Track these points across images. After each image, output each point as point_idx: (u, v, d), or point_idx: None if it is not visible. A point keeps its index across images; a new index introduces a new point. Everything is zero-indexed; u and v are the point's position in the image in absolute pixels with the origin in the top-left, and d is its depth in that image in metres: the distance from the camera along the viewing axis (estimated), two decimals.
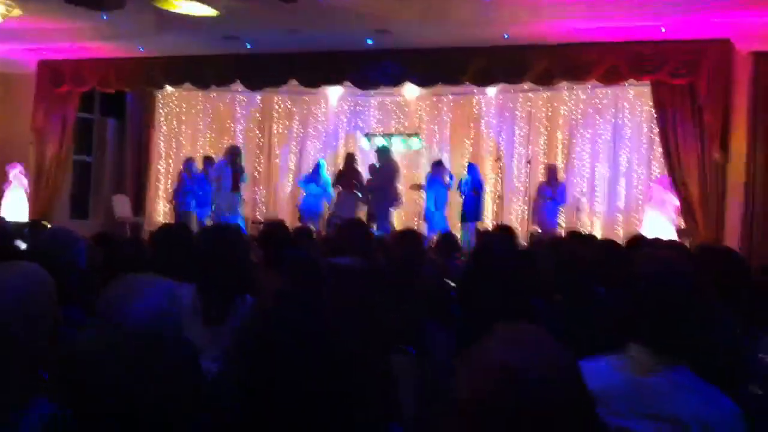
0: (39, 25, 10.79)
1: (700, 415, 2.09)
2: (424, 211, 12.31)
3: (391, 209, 12.12)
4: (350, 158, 12.74)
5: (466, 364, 1.33)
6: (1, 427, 1.90)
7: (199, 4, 8.94)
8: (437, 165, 12.29)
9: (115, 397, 1.73)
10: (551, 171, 11.86)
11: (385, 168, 12.14)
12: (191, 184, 12.96)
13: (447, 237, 7.46)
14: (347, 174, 12.46)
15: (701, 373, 2.24)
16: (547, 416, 1.27)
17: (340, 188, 12.34)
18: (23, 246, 4.42)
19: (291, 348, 1.59)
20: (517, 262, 3.75)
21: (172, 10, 8.95)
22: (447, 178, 12.17)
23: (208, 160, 13.36)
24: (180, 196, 12.99)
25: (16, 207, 13.12)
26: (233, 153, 12.52)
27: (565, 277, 4.14)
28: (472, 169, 12.39)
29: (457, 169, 12.82)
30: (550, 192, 11.57)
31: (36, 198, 13.44)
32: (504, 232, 5.75)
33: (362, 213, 11.82)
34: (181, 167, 13.40)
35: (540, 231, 11.28)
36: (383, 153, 12.40)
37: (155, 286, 1.72)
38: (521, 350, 1.31)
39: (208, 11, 9.07)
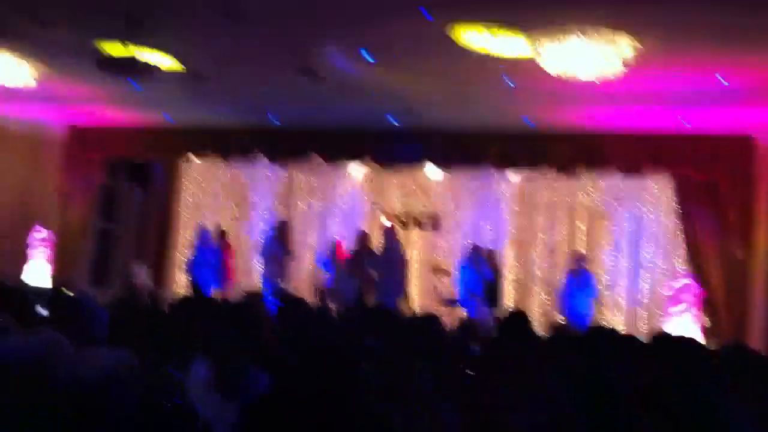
0: (70, 90, 11.02)
1: None
2: (459, 295, 12.11)
3: (397, 299, 11.50)
4: (364, 237, 12.44)
5: None
6: None
7: (165, 56, 8.76)
8: (475, 250, 12.09)
9: None
10: (577, 260, 11.56)
11: (391, 252, 11.81)
12: (205, 255, 13.03)
13: (469, 323, 7.32)
14: (359, 254, 12.21)
15: None
16: None
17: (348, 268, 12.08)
18: (45, 313, 4.42)
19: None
20: (529, 350, 3.70)
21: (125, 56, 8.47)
22: (483, 267, 11.90)
23: (223, 233, 13.46)
24: (195, 267, 13.03)
25: (39, 271, 13.19)
26: (282, 228, 12.57)
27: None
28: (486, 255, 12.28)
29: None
30: (575, 282, 11.25)
31: (58, 263, 13.51)
32: (519, 317, 5.66)
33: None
34: (195, 237, 13.49)
35: (566, 321, 10.95)
36: (388, 235, 12.05)
37: (106, 357, 1.74)
38: None
39: (174, 65, 8.99)
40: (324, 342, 3.74)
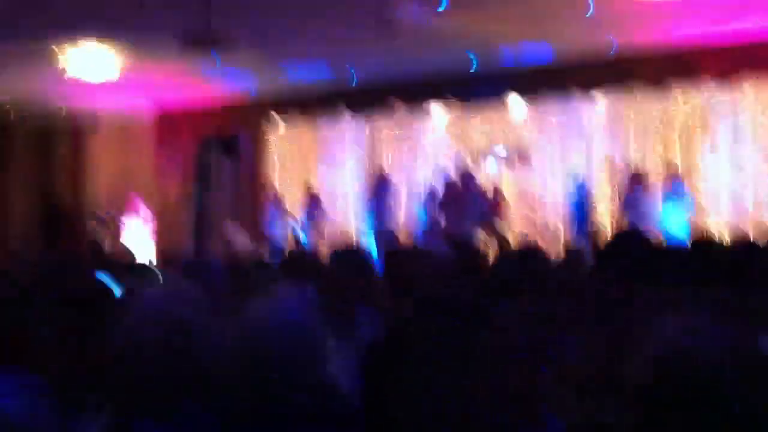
0: (155, 75, 11.31)
1: None
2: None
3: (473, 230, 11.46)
4: (449, 181, 12.45)
5: (636, 348, 1.30)
6: None
7: None
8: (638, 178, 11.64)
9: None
10: (671, 174, 11.34)
11: (469, 187, 11.72)
12: (276, 216, 13.50)
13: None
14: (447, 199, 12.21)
15: None
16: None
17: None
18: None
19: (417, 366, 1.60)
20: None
21: None
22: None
23: (309, 190, 13.88)
24: (269, 228, 13.43)
25: (145, 247, 13.66)
26: (377, 181, 12.69)
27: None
28: (577, 183, 12.17)
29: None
30: (670, 196, 11.08)
31: (160, 239, 14.02)
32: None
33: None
34: (270, 201, 14.02)
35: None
36: (464, 173, 11.94)
37: (293, 297, 1.77)
38: (695, 333, 1.26)
39: None
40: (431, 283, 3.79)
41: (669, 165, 11.61)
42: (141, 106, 13.69)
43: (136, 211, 13.87)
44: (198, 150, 14.52)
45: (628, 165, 12.32)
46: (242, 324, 1.80)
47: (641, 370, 1.30)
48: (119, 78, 10.63)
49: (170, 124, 14.05)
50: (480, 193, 11.65)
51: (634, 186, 11.36)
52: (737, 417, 1.24)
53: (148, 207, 13.97)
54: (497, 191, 12.62)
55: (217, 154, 15.44)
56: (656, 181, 12.31)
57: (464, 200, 11.45)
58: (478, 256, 5.86)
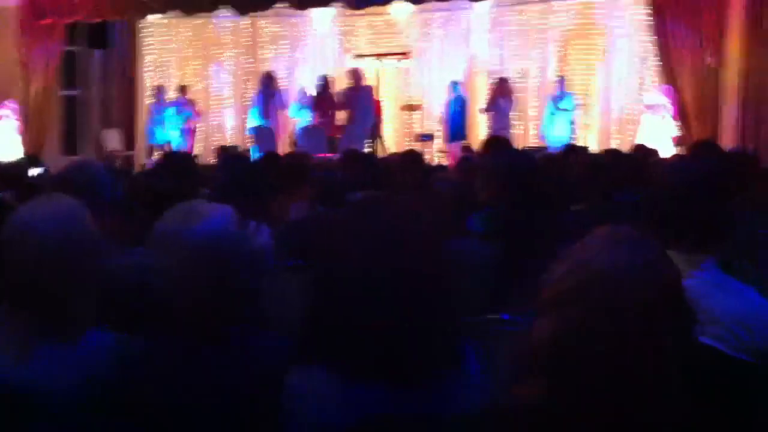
0: None
1: (737, 314, 2.15)
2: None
3: (364, 136, 11.51)
4: (324, 82, 12.19)
5: (564, 262, 1.32)
6: (58, 359, 1.93)
7: None
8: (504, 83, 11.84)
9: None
10: (558, 83, 11.70)
11: (361, 91, 11.52)
12: (160, 114, 12.98)
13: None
14: (321, 99, 12.01)
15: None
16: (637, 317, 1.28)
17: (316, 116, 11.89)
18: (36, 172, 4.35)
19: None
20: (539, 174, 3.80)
21: None
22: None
23: (182, 89, 13.32)
24: (152, 126, 13.03)
25: (10, 145, 12.94)
26: (263, 79, 12.29)
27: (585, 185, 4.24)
28: (455, 87, 12.26)
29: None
30: (556, 105, 11.39)
31: (26, 135, 13.27)
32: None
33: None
34: (152, 96, 13.42)
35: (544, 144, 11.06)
36: (355, 75, 11.68)
37: (217, 210, 1.72)
38: (620, 249, 1.30)
39: None
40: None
41: (558, 77, 11.95)
42: None
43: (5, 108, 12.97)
44: (66, 39, 13.60)
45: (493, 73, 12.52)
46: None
47: (553, 286, 1.34)
48: None
49: (35, 9, 13.05)
50: (368, 95, 11.54)
51: (496, 92, 11.57)
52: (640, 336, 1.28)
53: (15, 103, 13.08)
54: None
55: (87, 45, 14.55)
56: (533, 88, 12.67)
57: (350, 102, 11.33)
58: (371, 163, 5.79)
